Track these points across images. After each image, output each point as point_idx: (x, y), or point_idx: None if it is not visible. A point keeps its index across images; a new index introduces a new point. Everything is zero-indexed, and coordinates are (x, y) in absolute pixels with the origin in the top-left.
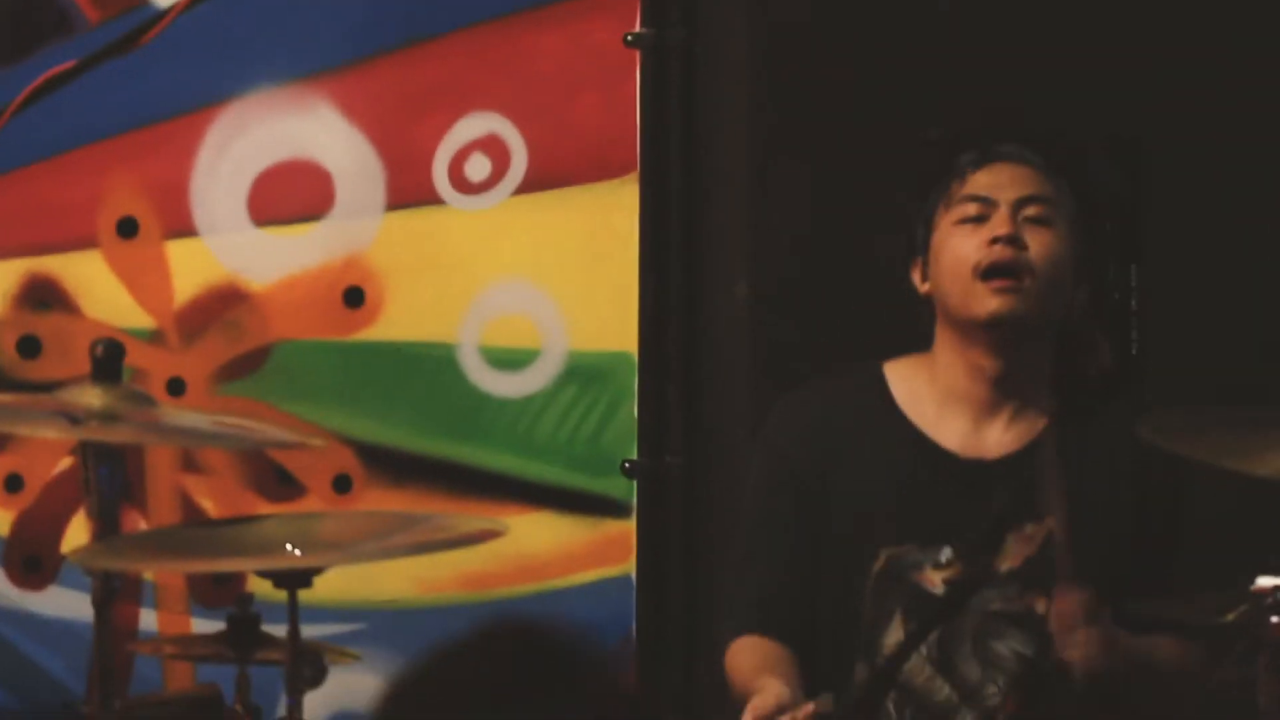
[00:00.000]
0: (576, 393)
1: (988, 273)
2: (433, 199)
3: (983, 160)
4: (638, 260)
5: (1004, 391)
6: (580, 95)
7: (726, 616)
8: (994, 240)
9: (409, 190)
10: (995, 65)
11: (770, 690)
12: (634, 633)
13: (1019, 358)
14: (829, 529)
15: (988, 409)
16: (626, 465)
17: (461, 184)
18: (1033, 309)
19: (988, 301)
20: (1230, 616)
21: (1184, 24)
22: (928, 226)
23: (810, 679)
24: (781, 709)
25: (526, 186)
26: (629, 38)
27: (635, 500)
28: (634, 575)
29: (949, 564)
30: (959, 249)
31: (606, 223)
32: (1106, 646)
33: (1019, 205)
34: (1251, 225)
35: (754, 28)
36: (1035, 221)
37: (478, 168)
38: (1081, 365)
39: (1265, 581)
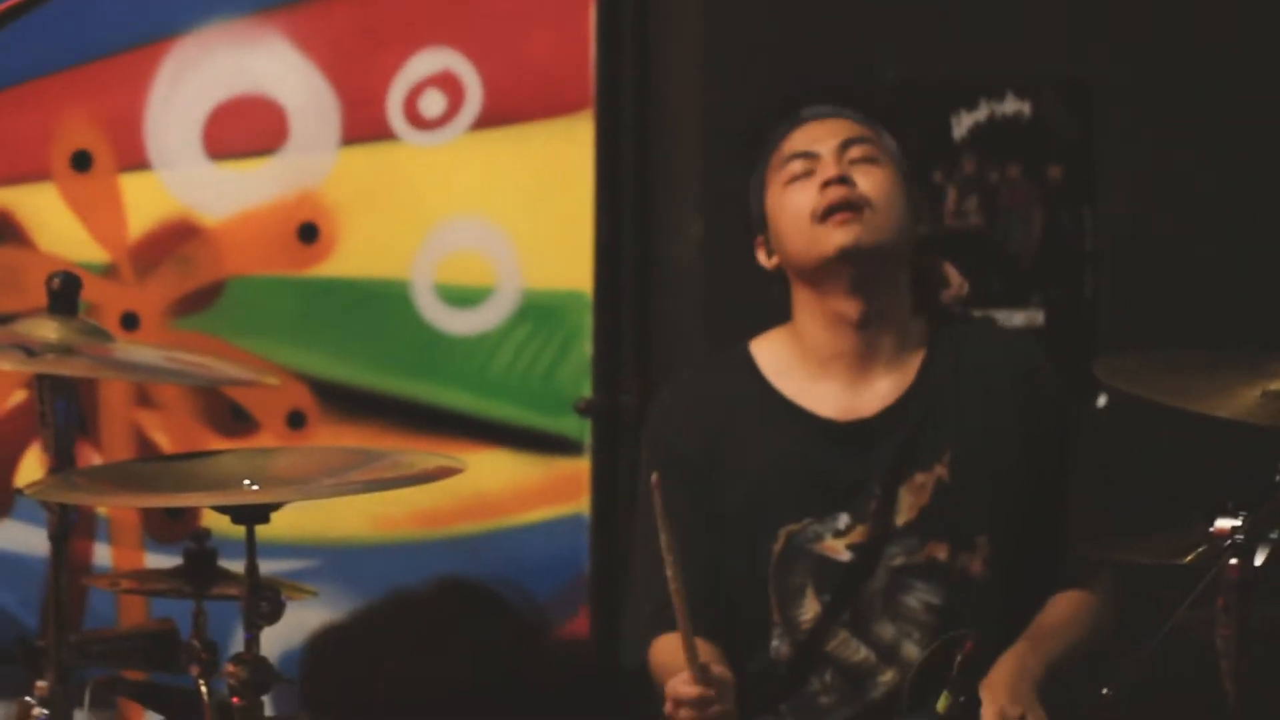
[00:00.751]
0: (530, 330)
1: (825, 213)
2: (387, 135)
3: (797, 122)
4: (592, 198)
5: (869, 342)
6: (535, 32)
7: (636, 618)
8: (825, 184)
9: (363, 126)
10: (948, 6)
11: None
12: (587, 570)
13: (876, 298)
14: (725, 515)
15: (857, 365)
16: (580, 404)
17: (416, 120)
18: (877, 237)
19: (832, 236)
20: (1188, 558)
21: None
22: (760, 199)
23: (728, 665)
24: (705, 692)
25: (481, 123)
26: None
27: (589, 439)
28: (587, 513)
29: (848, 529)
30: (793, 204)
31: (560, 160)
32: None
33: (842, 149)
34: (1204, 166)
35: None
36: (861, 161)
37: (432, 103)
38: (934, 296)
39: (1224, 523)
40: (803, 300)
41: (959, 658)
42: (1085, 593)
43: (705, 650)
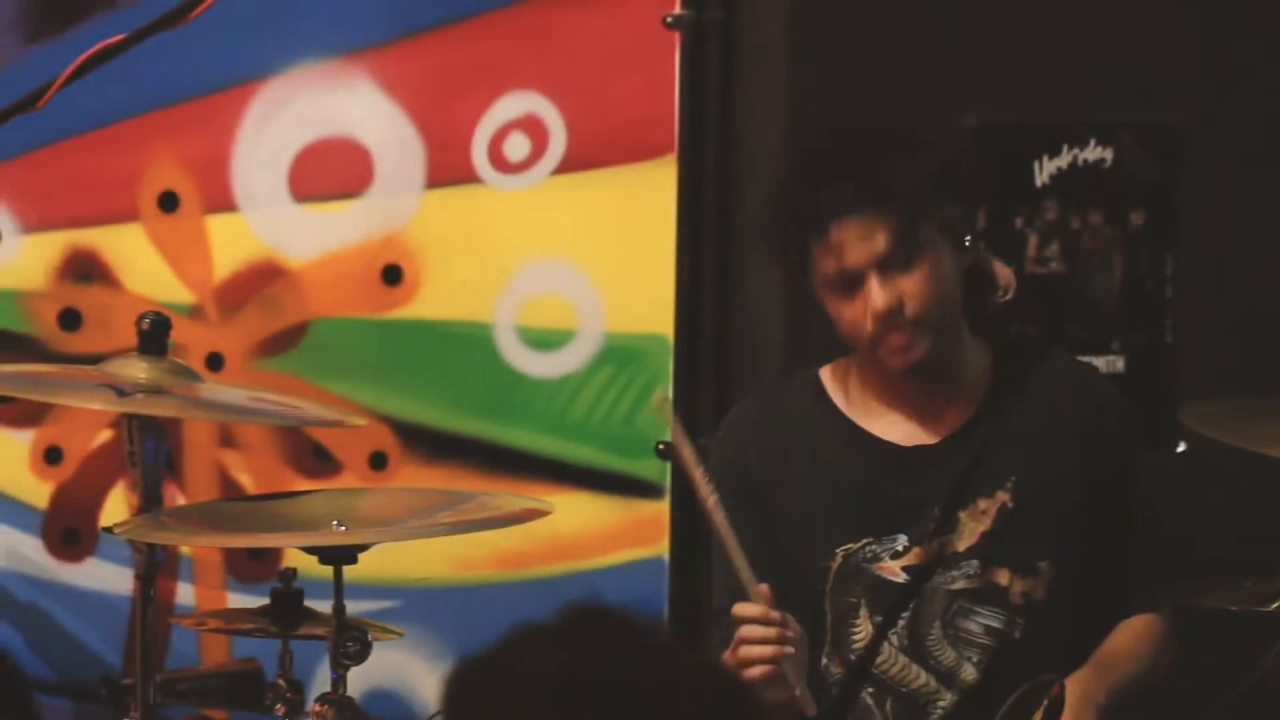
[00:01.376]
0: (611, 373)
1: (879, 342)
2: (471, 177)
3: (823, 224)
4: (674, 242)
5: (934, 378)
6: (619, 76)
7: (713, 634)
8: (874, 318)
9: (448, 168)
10: (1033, 51)
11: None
12: (666, 614)
13: (937, 353)
14: (783, 533)
15: (921, 398)
16: (660, 447)
17: (500, 163)
18: (932, 341)
19: (892, 361)
20: (1275, 605)
21: (1225, 5)
22: (807, 272)
23: None
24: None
25: (565, 166)
26: (668, 19)
27: (668, 482)
28: (666, 556)
29: (906, 551)
30: (845, 321)
31: (643, 204)
32: None
33: (882, 266)
34: None
35: (792, 8)
36: (900, 270)
37: (516, 147)
38: (985, 299)
39: None
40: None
41: (1045, 701)
42: (1153, 618)
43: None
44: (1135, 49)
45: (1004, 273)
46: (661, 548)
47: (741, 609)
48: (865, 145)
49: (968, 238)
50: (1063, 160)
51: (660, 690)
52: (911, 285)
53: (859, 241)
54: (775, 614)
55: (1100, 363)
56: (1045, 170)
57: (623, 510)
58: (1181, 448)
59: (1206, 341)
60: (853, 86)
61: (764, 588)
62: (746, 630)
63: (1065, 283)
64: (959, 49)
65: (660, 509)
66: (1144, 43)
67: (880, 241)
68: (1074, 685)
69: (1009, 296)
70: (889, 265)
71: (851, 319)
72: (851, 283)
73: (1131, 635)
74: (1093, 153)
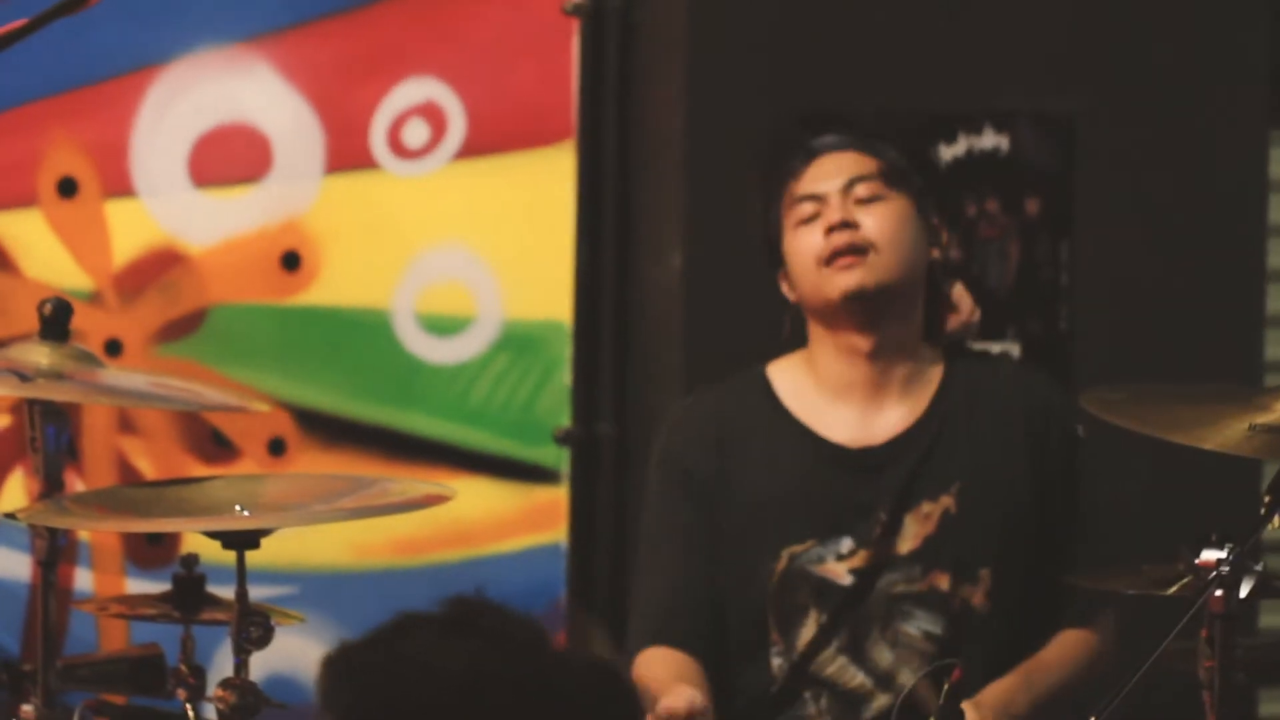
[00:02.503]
0: (510, 360)
1: (829, 258)
2: (370, 164)
3: (806, 159)
4: (573, 229)
5: (882, 371)
6: (519, 62)
7: (631, 627)
8: (829, 230)
9: (347, 155)
10: (928, 40)
11: (681, 693)
12: (564, 600)
13: (888, 332)
14: (728, 532)
15: (870, 394)
16: (559, 433)
17: (399, 149)
18: (883, 277)
19: (836, 281)
20: (1173, 589)
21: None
22: (778, 235)
23: (718, 684)
24: (692, 713)
25: (464, 152)
26: (567, 6)
27: (567, 468)
28: (564, 543)
29: (851, 554)
30: (802, 248)
31: (542, 190)
32: None
33: (847, 189)
34: (1179, 199)
35: None
36: (867, 200)
37: (416, 133)
38: (940, 322)
39: (1209, 555)
40: (816, 333)
41: (946, 686)
42: (1087, 633)
43: (690, 666)
44: (1031, 37)
45: (965, 296)
46: (560, 534)
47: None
48: (848, 113)
49: (936, 222)
50: (959, 148)
51: (553, 683)
52: (872, 216)
53: (832, 169)
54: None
55: (995, 349)
56: (942, 158)
57: (521, 496)
58: (1080, 433)
59: (1101, 329)
60: (751, 74)
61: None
62: None
63: (961, 270)
64: (856, 36)
65: (559, 495)
66: (1040, 30)
67: (851, 169)
68: (996, 691)
69: (972, 320)
70: (854, 194)
71: (809, 242)
72: (817, 208)
73: (1065, 645)
74: (989, 140)
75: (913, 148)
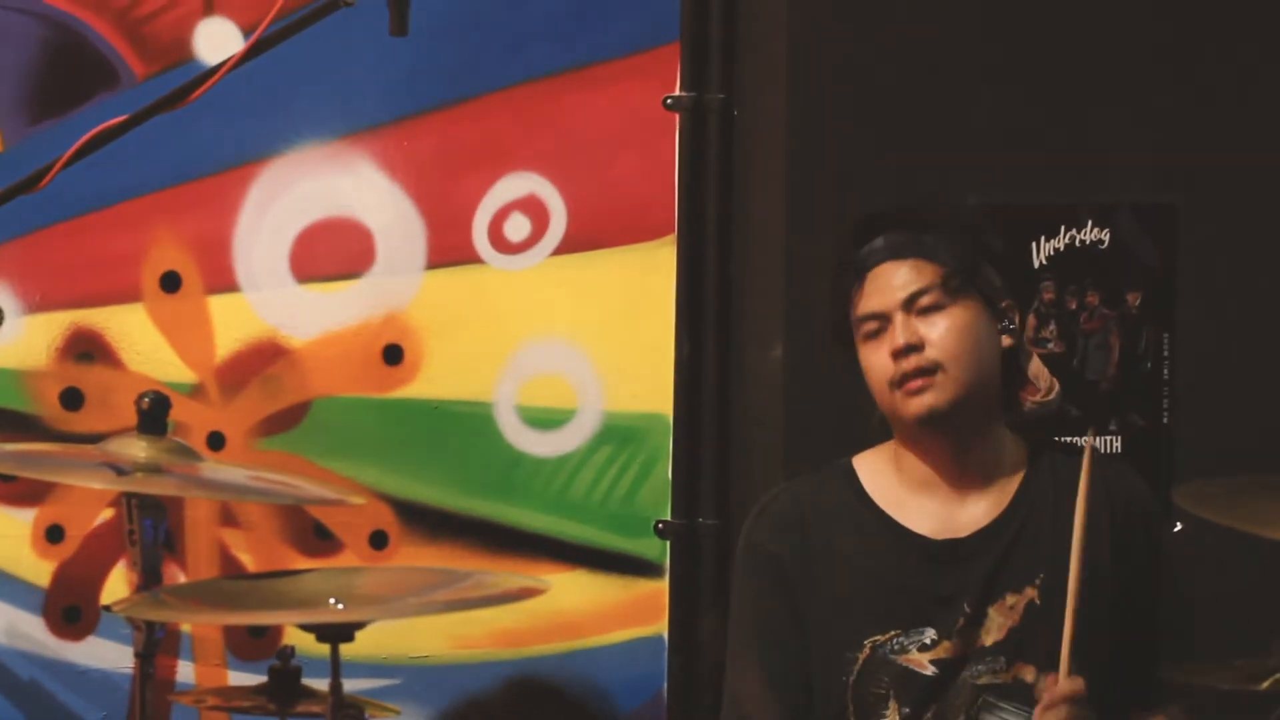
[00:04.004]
0: (611, 452)
1: (899, 382)
2: (472, 258)
3: (863, 271)
4: (673, 322)
5: (966, 468)
6: (619, 157)
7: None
8: (894, 355)
9: (449, 249)
10: (1030, 132)
11: None
12: (665, 693)
13: (968, 433)
14: (812, 622)
15: (955, 488)
16: (660, 526)
17: (501, 243)
18: (955, 395)
19: (909, 405)
20: (1266, 685)
21: (1216, 89)
22: (848, 339)
23: None
24: None
25: (565, 247)
26: (668, 100)
27: (668, 560)
28: (665, 635)
29: (934, 644)
30: (872, 366)
31: (643, 284)
32: None
33: (908, 304)
34: None
35: (792, 90)
36: (930, 310)
37: (517, 227)
38: (1020, 399)
39: None
40: (898, 434)
41: None
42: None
43: None
44: (1132, 128)
45: (1043, 372)
46: (660, 626)
47: None
48: (908, 213)
49: (1005, 303)
50: (1060, 241)
51: None
52: (937, 329)
53: (891, 282)
54: None
55: (1098, 443)
56: (1043, 251)
57: (622, 589)
58: (1178, 528)
59: (1203, 422)
60: (851, 167)
61: None
62: None
63: (1063, 363)
64: (957, 131)
65: (659, 588)
66: (1141, 122)
67: (910, 283)
68: None
69: (1049, 398)
70: (916, 307)
71: (878, 362)
72: (881, 325)
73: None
74: (1090, 234)
75: (975, 238)
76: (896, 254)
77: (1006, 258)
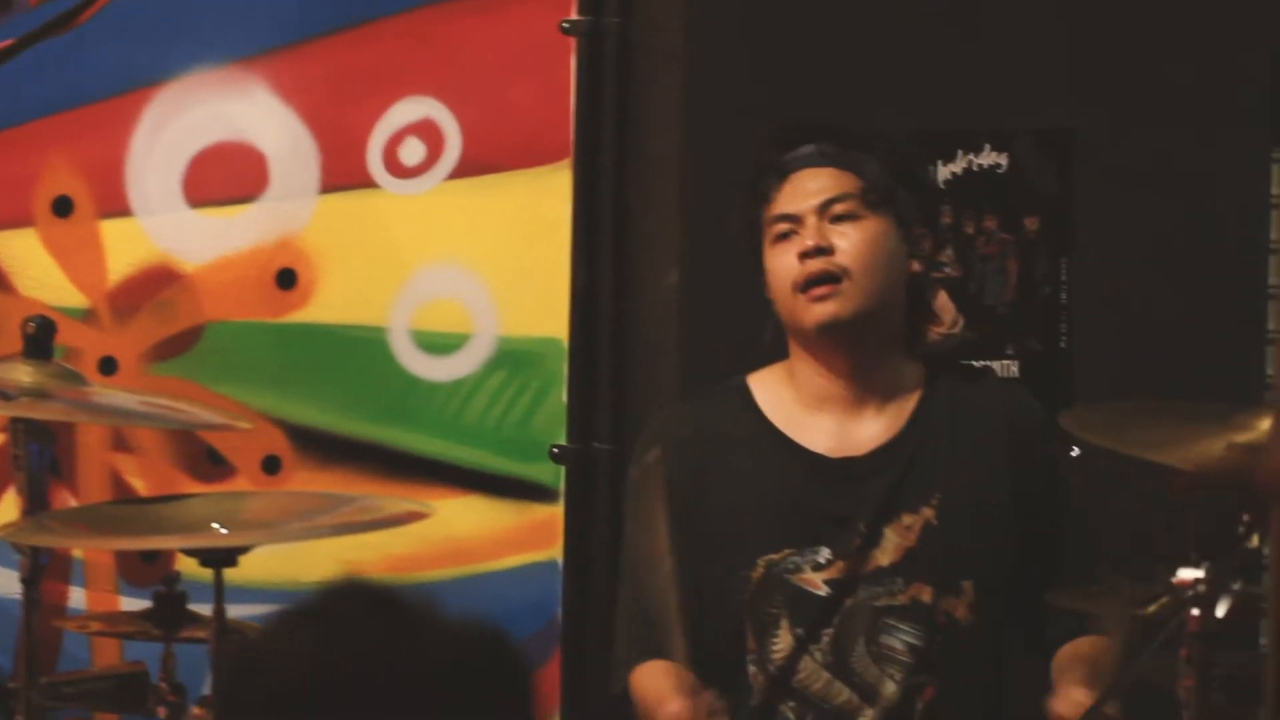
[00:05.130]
0: (506, 377)
1: (803, 286)
2: (367, 182)
3: (782, 175)
4: (569, 246)
5: (864, 385)
6: (515, 81)
7: (620, 640)
8: (802, 255)
9: (343, 173)
10: (928, 58)
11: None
12: (559, 618)
13: (866, 351)
14: (707, 541)
15: (851, 406)
16: (555, 450)
17: (395, 168)
18: (858, 306)
19: (811, 311)
20: (1151, 609)
21: (1117, 16)
22: (757, 246)
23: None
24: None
25: (460, 171)
26: (565, 24)
27: (563, 485)
28: (560, 561)
29: (829, 564)
30: (777, 268)
31: (539, 209)
32: None
33: (822, 210)
34: (1179, 215)
35: (689, 15)
36: (842, 219)
37: (412, 152)
38: (924, 332)
39: (1186, 574)
40: (795, 346)
41: (920, 705)
42: (1094, 637)
43: (689, 680)
44: (1032, 55)
45: (948, 306)
46: (555, 551)
47: (669, 711)
48: (838, 127)
49: (918, 230)
50: (958, 165)
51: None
52: (848, 238)
53: (809, 186)
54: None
55: (995, 367)
56: (940, 175)
57: (517, 514)
58: (1075, 452)
59: (1100, 347)
60: (748, 91)
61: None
62: None
63: (960, 287)
64: (855, 53)
65: (554, 513)
66: (1041, 48)
67: (828, 189)
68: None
69: (953, 331)
70: (830, 214)
71: (784, 264)
72: (793, 228)
73: (1085, 647)
74: (988, 158)
75: (898, 160)
76: (820, 161)
77: (927, 186)
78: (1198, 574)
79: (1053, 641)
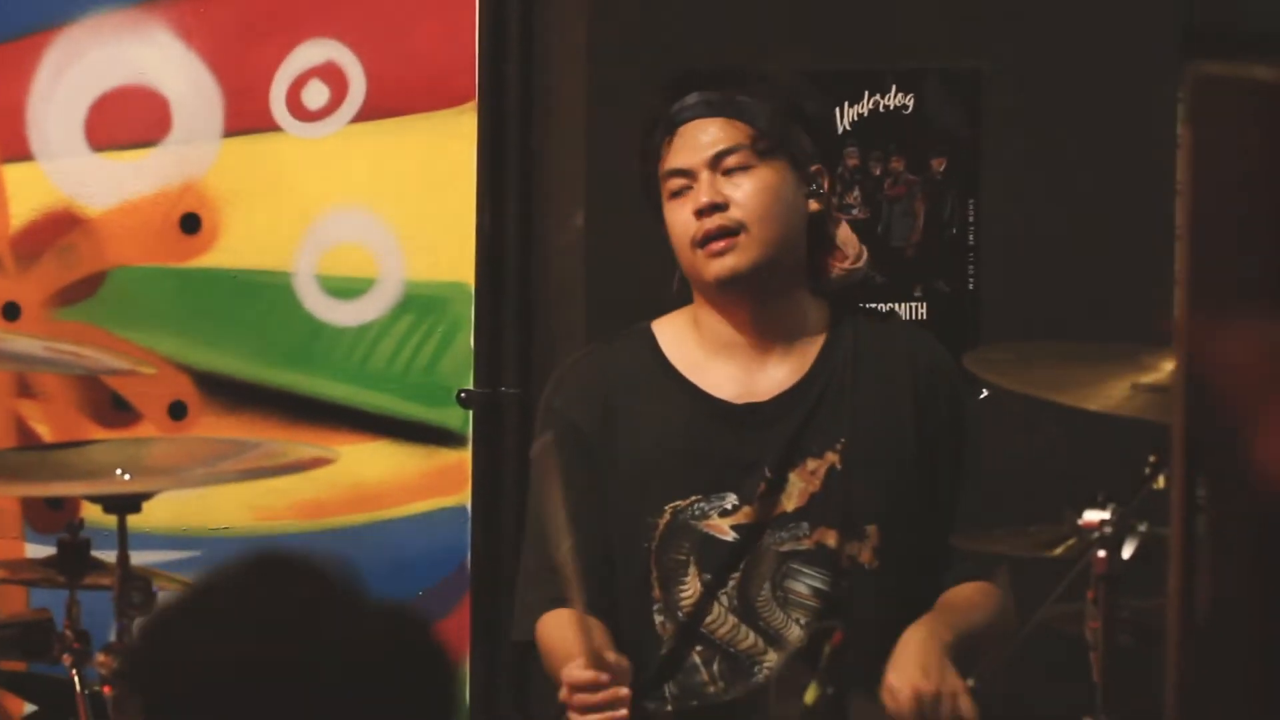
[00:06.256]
0: (413, 322)
1: (701, 242)
2: (270, 126)
3: (671, 128)
4: (475, 190)
5: (767, 331)
6: (419, 23)
7: (526, 590)
8: (697, 211)
9: (246, 116)
10: (832, 2)
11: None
12: (468, 563)
13: (770, 296)
14: (613, 488)
15: (755, 352)
16: (462, 395)
17: (299, 111)
18: (756, 257)
19: (710, 266)
20: (1058, 550)
21: None
22: (656, 199)
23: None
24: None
25: (364, 114)
26: None
27: (470, 430)
28: (469, 505)
29: (735, 510)
30: (675, 223)
31: (444, 152)
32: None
33: (715, 162)
34: (1088, 157)
35: None
36: (737, 170)
37: (315, 95)
38: (826, 268)
39: (1092, 515)
40: (699, 296)
41: (828, 648)
42: (985, 584)
43: (597, 630)
44: None
45: (851, 239)
46: (464, 496)
47: (571, 675)
48: (724, 71)
49: (814, 168)
50: (864, 106)
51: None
52: (741, 189)
53: (700, 139)
54: (606, 676)
55: (903, 310)
56: (846, 117)
57: (424, 459)
58: (983, 394)
59: (1009, 288)
60: (653, 33)
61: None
62: (579, 699)
63: (867, 229)
64: None
65: (462, 457)
66: None
67: (719, 141)
68: (914, 633)
69: (858, 265)
70: (723, 167)
71: (680, 220)
72: (688, 182)
73: (968, 590)
74: (894, 99)
75: (788, 100)
76: (708, 111)
77: (822, 122)
78: (1104, 515)
79: (949, 585)
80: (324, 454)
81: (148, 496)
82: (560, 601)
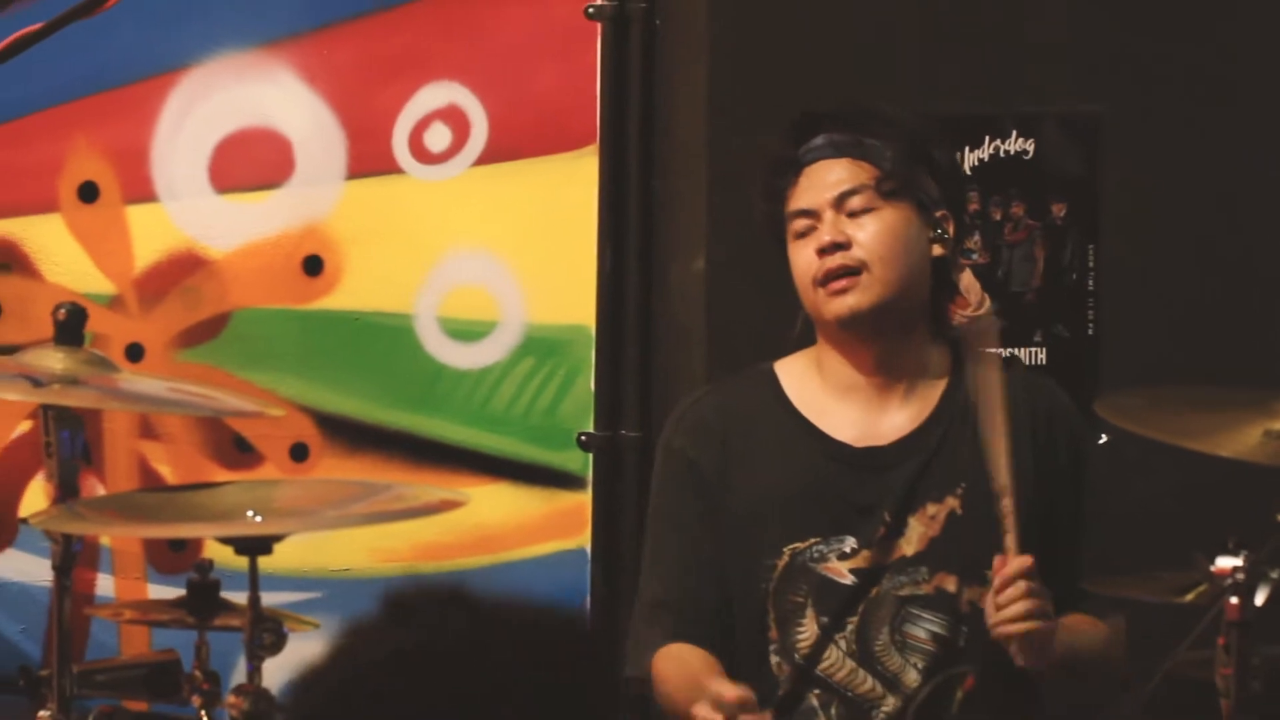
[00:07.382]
0: (533, 365)
1: (823, 281)
2: (392, 168)
3: (800, 168)
4: (596, 233)
5: (889, 374)
6: (541, 66)
7: (642, 625)
8: (820, 251)
9: (369, 159)
10: (955, 42)
11: (729, 689)
12: (587, 606)
13: (890, 341)
14: (731, 528)
15: (877, 395)
16: (582, 438)
17: (421, 153)
18: (877, 297)
19: (830, 305)
20: (1190, 597)
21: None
22: (781, 238)
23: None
24: (744, 705)
25: (486, 157)
26: (590, 9)
27: (590, 473)
28: (588, 548)
29: (854, 553)
30: (798, 264)
31: (565, 195)
32: (1046, 633)
33: (838, 203)
34: (1208, 201)
35: (713, 0)
36: (860, 211)
37: (438, 137)
38: (949, 313)
39: (1225, 562)
40: (822, 336)
41: (960, 694)
42: (1096, 619)
43: (716, 666)
44: (1057, 38)
45: (974, 286)
46: (583, 539)
47: (721, 691)
48: (852, 113)
49: (940, 213)
50: (984, 151)
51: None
52: (865, 230)
53: (825, 179)
54: (751, 693)
55: (1023, 355)
56: (967, 161)
57: (545, 501)
58: (1103, 440)
59: (1128, 333)
60: (775, 77)
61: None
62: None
63: (987, 274)
64: (881, 38)
65: (582, 500)
66: (1065, 34)
67: (844, 181)
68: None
69: (980, 312)
70: (847, 208)
71: (804, 259)
72: (812, 223)
73: (1079, 618)
74: (1015, 144)
75: (914, 143)
76: (834, 153)
77: (949, 167)
78: (1236, 562)
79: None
80: (455, 497)
81: (279, 538)
82: (675, 636)
